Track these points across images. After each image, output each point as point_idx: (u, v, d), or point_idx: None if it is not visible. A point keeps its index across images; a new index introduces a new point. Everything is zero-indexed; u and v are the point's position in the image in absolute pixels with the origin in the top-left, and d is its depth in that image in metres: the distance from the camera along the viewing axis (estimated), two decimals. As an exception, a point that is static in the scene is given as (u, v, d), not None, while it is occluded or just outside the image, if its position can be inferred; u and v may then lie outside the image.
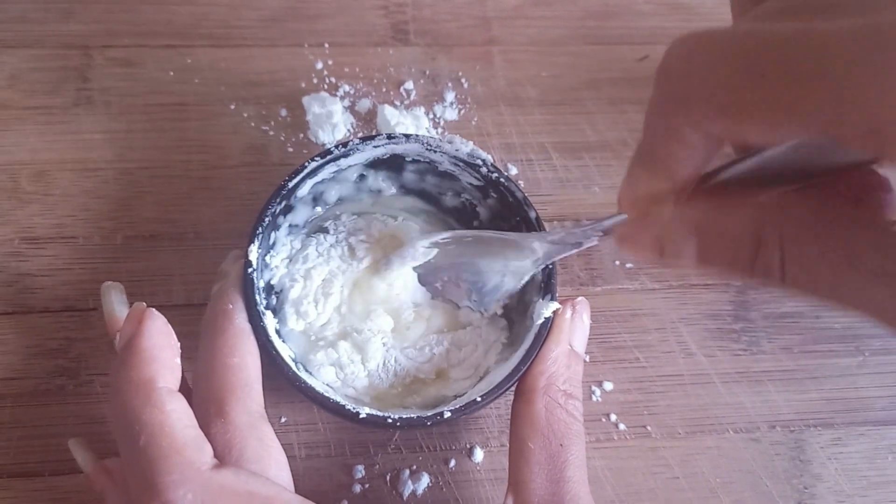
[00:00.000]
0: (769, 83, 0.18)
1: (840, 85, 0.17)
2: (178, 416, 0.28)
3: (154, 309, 0.31)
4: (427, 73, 0.50)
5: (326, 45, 0.50)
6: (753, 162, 0.23)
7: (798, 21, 0.19)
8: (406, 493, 0.38)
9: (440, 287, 0.39)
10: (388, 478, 0.39)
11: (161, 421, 0.28)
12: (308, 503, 0.29)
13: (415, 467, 0.39)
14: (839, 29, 0.17)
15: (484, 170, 0.38)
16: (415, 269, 0.38)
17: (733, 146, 0.25)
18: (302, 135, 0.47)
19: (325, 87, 0.48)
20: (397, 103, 0.48)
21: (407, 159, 0.39)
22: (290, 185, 0.37)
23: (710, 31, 0.20)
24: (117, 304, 0.35)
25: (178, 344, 0.31)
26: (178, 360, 0.30)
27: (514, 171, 0.47)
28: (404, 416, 0.33)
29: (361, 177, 0.40)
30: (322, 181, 0.39)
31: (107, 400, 0.38)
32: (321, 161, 0.37)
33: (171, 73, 0.48)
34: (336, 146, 0.37)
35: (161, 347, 0.30)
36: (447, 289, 0.39)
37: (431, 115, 0.48)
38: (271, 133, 0.46)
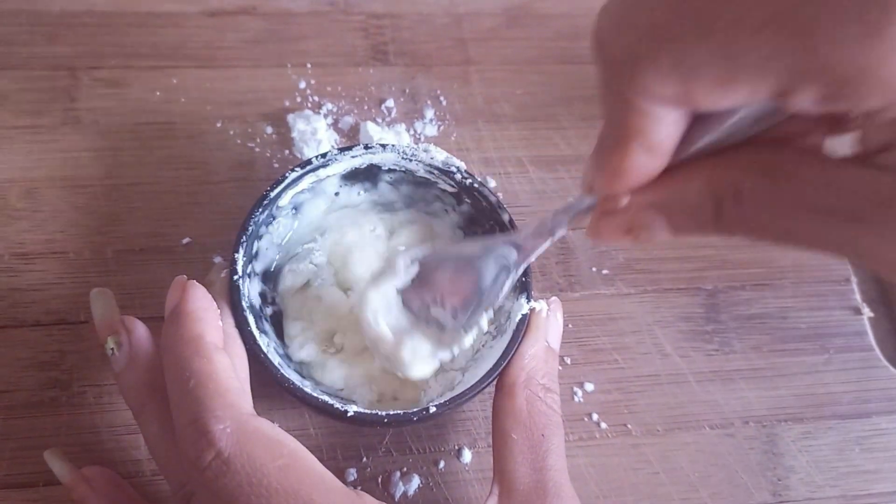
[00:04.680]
0: (717, 33, 0.16)
1: (805, 29, 0.14)
2: (223, 366, 0.31)
3: (195, 280, 0.34)
4: (407, 91, 0.52)
5: (309, 66, 0.51)
6: (705, 141, 0.23)
7: None
8: (398, 495, 0.39)
9: (424, 308, 0.37)
10: (379, 480, 0.40)
11: (209, 370, 0.30)
12: (325, 470, 0.30)
13: (405, 469, 0.40)
14: None
15: (458, 176, 0.40)
16: (399, 291, 0.37)
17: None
18: (287, 151, 0.48)
19: (309, 105, 0.50)
20: (379, 120, 0.50)
21: (384, 168, 0.41)
22: (272, 194, 0.38)
23: None
24: (107, 309, 0.36)
25: (218, 310, 0.34)
26: (220, 323, 0.33)
27: (492, 183, 0.49)
28: (391, 413, 0.35)
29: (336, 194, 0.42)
30: (302, 191, 0.40)
31: (99, 410, 0.39)
32: (301, 171, 0.39)
33: (158, 93, 0.49)
34: (315, 157, 0.39)
35: (206, 309, 0.33)
36: (432, 310, 0.37)
37: (412, 132, 0.50)
38: (257, 150, 0.48)
